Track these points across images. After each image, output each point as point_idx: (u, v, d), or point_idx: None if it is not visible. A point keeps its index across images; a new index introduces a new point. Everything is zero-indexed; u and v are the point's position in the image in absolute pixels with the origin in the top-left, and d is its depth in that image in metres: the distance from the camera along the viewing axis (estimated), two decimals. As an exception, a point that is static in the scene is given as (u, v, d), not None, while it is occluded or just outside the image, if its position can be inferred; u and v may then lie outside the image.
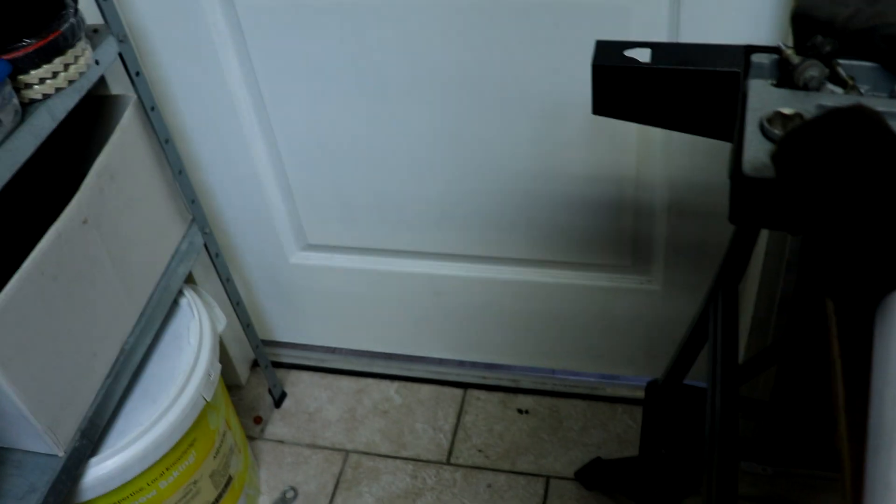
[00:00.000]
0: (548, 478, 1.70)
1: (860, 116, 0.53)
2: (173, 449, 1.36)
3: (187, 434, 1.39)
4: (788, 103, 0.71)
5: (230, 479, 1.57)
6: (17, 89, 1.13)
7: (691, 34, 1.25)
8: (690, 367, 1.21)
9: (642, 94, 0.92)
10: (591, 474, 1.65)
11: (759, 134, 0.68)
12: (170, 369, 1.42)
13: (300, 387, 1.96)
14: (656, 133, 1.38)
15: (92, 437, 1.26)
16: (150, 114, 1.40)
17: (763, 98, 0.72)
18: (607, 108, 0.97)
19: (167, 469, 1.38)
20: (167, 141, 1.44)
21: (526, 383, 1.88)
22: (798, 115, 0.69)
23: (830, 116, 0.55)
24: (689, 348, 1.17)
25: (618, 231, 1.55)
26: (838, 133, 0.53)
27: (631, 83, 0.92)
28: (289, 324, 1.98)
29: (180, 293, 1.53)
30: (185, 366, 1.41)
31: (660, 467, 1.36)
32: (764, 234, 1.34)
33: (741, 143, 0.68)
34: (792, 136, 0.57)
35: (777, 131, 0.68)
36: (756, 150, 0.67)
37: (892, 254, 0.50)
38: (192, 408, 1.38)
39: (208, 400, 1.41)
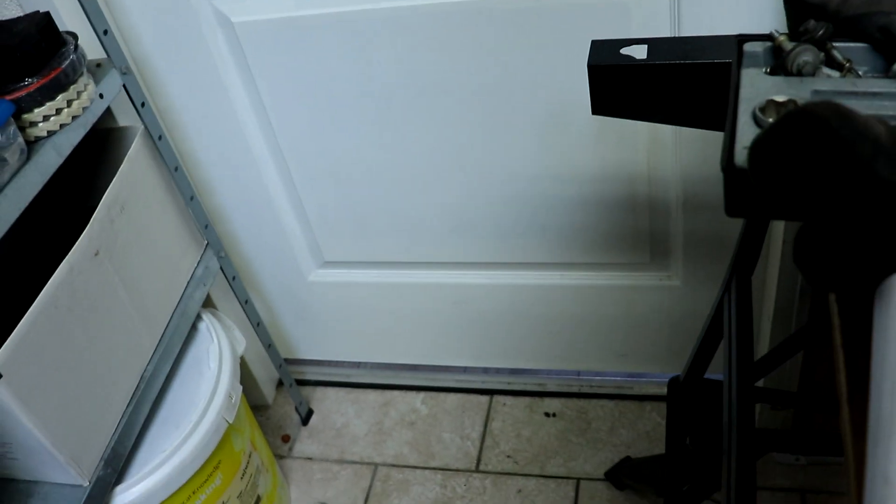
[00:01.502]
0: (578, 480, 1.68)
1: (809, 119, 0.52)
2: (198, 472, 1.37)
3: (212, 457, 1.39)
4: (782, 91, 0.70)
5: (259, 498, 1.57)
6: (22, 128, 1.13)
7: (692, 28, 1.23)
8: (710, 360, 1.19)
9: (640, 91, 0.91)
10: (621, 474, 1.64)
11: (752, 124, 0.67)
12: (191, 394, 1.42)
13: (326, 403, 1.96)
14: (665, 128, 1.37)
15: (116, 466, 1.27)
16: (158, 143, 1.40)
17: (756, 87, 0.71)
18: (606, 107, 0.96)
19: (194, 493, 1.38)
20: (177, 169, 1.45)
21: (552, 386, 1.86)
22: (792, 102, 0.67)
23: (784, 121, 0.53)
24: (707, 342, 1.15)
25: (634, 229, 1.54)
26: (795, 137, 0.52)
27: (627, 81, 0.90)
28: (311, 341, 1.99)
29: (198, 318, 1.54)
30: (205, 390, 1.41)
31: (686, 463, 1.34)
32: (781, 223, 1.32)
33: (733, 134, 0.66)
34: (757, 145, 0.56)
35: (770, 119, 0.66)
36: (749, 140, 0.66)
37: (878, 244, 0.49)
38: (214, 431, 1.38)
39: (230, 422, 1.42)
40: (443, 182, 1.54)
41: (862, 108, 0.66)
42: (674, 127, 1.36)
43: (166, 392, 1.44)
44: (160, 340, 1.40)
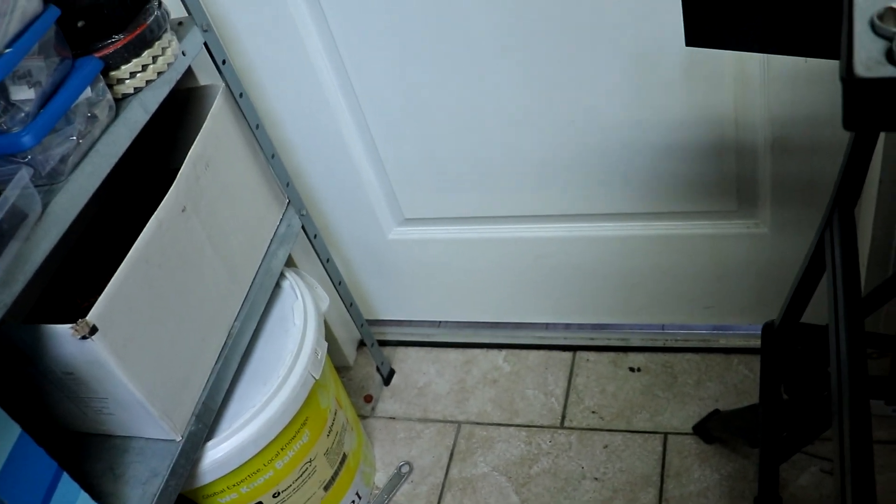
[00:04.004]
0: (665, 434, 1.66)
1: None
2: (287, 428, 1.38)
3: (299, 413, 1.40)
4: (899, -2, 0.66)
5: (345, 456, 1.58)
6: (110, 85, 1.15)
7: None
8: (808, 302, 1.16)
9: (738, 17, 0.87)
10: (709, 427, 1.61)
11: (871, 32, 0.64)
12: (277, 350, 1.43)
13: (408, 363, 1.96)
14: (753, 68, 1.33)
15: (207, 421, 1.28)
16: (240, 100, 1.41)
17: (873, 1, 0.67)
18: (701, 37, 0.92)
19: (282, 449, 1.39)
20: (258, 126, 1.45)
21: (636, 341, 1.84)
22: (911, 10, 0.64)
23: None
24: (805, 282, 1.11)
25: (720, 175, 1.50)
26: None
27: (724, 7, 0.87)
28: (392, 301, 1.99)
29: (282, 276, 1.55)
30: (291, 346, 1.42)
31: (782, 412, 1.31)
32: (877, 161, 1.27)
33: (851, 44, 0.63)
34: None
35: (891, 27, 0.63)
36: (868, 49, 0.62)
37: None
38: (301, 387, 1.39)
39: (317, 378, 1.42)
40: (523, 131, 1.52)
41: None
42: (762, 65, 1.32)
43: (253, 349, 1.45)
44: (246, 297, 1.41)
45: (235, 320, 1.38)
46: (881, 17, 0.64)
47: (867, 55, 0.62)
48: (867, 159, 0.93)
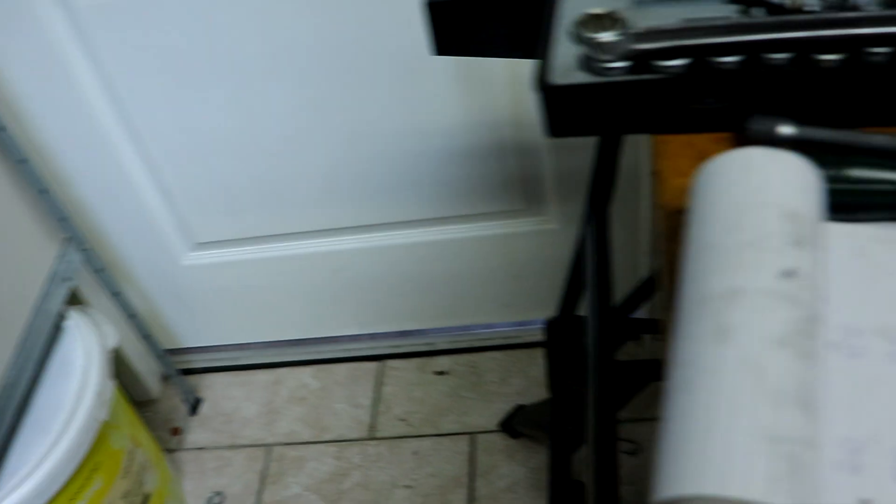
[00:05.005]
0: (472, 434, 1.68)
1: None
2: (74, 476, 1.30)
3: (87, 459, 1.33)
4: (601, 3, 0.68)
5: (147, 497, 1.52)
6: None
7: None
8: (580, 296, 1.19)
9: (480, 25, 0.88)
10: (514, 423, 1.64)
11: (569, 39, 0.65)
12: (58, 396, 1.36)
13: (215, 389, 1.91)
14: (525, 69, 1.35)
15: (-18, 479, 1.20)
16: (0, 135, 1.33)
17: (576, 6, 0.69)
18: (448, 47, 0.93)
19: (72, 499, 1.32)
20: (21, 161, 1.37)
21: (441, 344, 1.85)
22: (608, 15, 0.66)
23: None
24: (575, 276, 1.15)
25: (506, 176, 1.53)
26: None
27: (465, 16, 0.88)
28: (194, 328, 1.93)
29: (65, 316, 1.47)
30: (73, 390, 1.35)
31: (569, 404, 1.34)
32: (646, 155, 1.32)
33: (547, 52, 0.64)
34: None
35: (590, 34, 0.64)
36: (566, 55, 0.64)
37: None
38: (86, 431, 1.32)
39: (104, 420, 1.36)
40: (303, 148, 1.50)
41: (677, 14, 0.65)
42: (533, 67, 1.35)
43: (34, 397, 1.37)
44: (19, 343, 1.33)
45: (10, 369, 1.30)
46: (581, 23, 0.65)
47: (564, 62, 0.63)
48: (614, 160, 0.96)
